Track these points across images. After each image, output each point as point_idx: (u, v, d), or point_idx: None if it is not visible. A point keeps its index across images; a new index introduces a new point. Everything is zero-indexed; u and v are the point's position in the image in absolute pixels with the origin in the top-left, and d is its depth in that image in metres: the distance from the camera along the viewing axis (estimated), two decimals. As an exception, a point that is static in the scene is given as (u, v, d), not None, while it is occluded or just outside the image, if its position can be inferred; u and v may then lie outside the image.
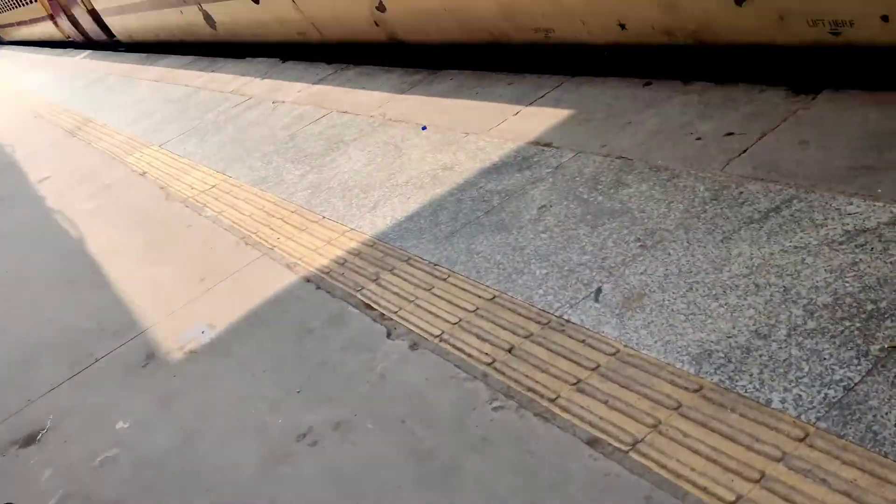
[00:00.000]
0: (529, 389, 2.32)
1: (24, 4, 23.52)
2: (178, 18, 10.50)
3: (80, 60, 16.02)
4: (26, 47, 31.28)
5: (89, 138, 8.37)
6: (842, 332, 2.09)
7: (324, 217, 4.11)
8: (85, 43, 18.61)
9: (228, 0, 8.68)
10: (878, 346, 1.97)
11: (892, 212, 2.43)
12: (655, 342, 2.32)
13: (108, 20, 14.25)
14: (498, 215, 3.41)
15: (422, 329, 2.81)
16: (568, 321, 2.56)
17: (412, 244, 3.43)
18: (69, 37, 20.15)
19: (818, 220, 2.54)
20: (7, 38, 36.68)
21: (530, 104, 4.43)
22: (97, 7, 14.21)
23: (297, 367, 2.90)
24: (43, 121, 10.74)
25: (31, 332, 4.07)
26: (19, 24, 27.35)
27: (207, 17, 9.52)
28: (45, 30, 22.53)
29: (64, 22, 18.67)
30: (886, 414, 1.78)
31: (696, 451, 1.89)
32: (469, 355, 2.57)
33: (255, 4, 7.99)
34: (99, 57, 15.08)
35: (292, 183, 4.78)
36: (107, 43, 16.35)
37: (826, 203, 2.60)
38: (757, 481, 1.75)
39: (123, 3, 12.30)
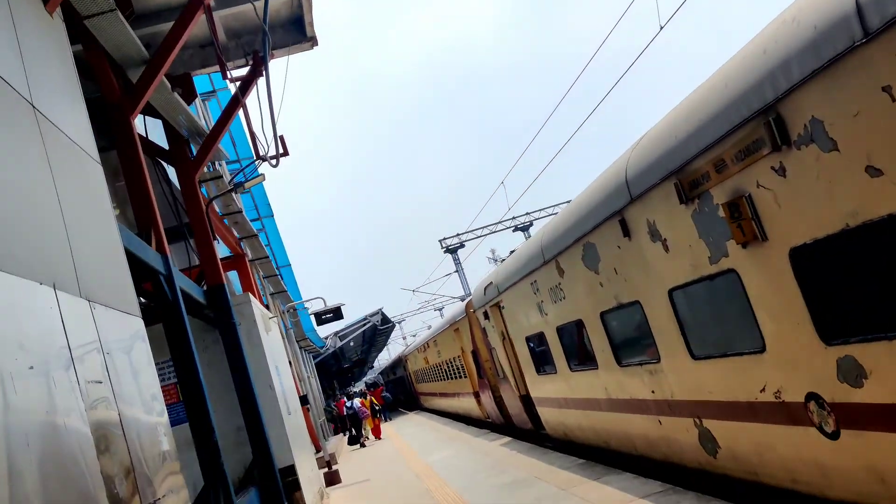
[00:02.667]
0: None
1: (450, 378, 24.79)
2: (649, 428, 8.11)
3: (499, 447, 14.74)
4: (435, 416, 33.55)
5: None
6: None
7: None
8: (503, 427, 17.78)
9: (747, 423, 5.97)
10: None
11: None
12: None
13: (540, 410, 12.81)
14: None
15: None
16: None
17: None
18: (487, 417, 19.77)
19: None
20: (425, 405, 40.46)
21: None
22: (533, 394, 12.99)
23: None
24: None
25: None
26: (441, 394, 29.13)
27: (705, 437, 6.86)
28: (465, 405, 22.95)
29: (488, 401, 18.33)
30: None
31: None
32: None
33: (829, 440, 5.04)
34: (522, 449, 13.54)
35: None
36: (529, 432, 15.00)
37: None
38: None
39: (568, 396, 10.65)
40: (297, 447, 11.99)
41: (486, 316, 15.09)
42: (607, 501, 7.98)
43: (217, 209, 13.25)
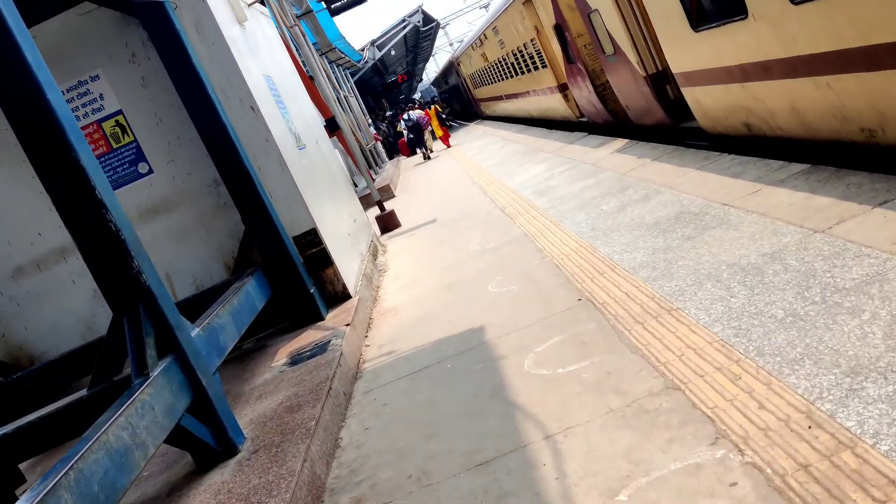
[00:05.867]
0: None
1: (520, 74, 20.05)
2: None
3: (617, 156, 10.55)
4: (503, 123, 29.29)
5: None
6: None
7: None
8: (608, 126, 13.46)
9: None
10: None
11: None
12: None
13: (690, 91, 8.30)
14: None
15: None
16: None
17: None
18: (581, 116, 15.41)
19: None
20: (488, 112, 36.12)
21: None
22: (676, 69, 8.38)
23: None
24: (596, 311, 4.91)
25: None
26: (509, 97, 24.61)
27: None
28: (544, 104, 18.50)
29: (583, 93, 13.82)
30: None
31: None
32: None
33: None
34: (659, 155, 9.30)
35: None
36: (659, 130, 10.65)
37: None
38: None
39: (777, 56, 6.06)
40: (319, 197, 8.06)
41: (583, -41, 9.97)
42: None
43: None
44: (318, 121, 11.57)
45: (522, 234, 8.34)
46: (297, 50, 14.15)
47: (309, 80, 14.86)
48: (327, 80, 20.28)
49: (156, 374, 3.96)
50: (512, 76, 21.72)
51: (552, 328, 5.13)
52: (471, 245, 8.95)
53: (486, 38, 23.74)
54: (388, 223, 12.82)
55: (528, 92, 20.30)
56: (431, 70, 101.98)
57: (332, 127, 12.46)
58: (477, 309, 6.29)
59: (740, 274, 4.66)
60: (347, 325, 6.37)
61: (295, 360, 5.94)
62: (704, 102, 8.15)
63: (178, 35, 6.38)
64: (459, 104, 50.00)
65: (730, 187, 6.63)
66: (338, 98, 23.02)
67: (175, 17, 6.46)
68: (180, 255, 7.12)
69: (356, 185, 22.22)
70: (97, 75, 6.76)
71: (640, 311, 4.77)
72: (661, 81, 9.68)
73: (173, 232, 7.09)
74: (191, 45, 6.57)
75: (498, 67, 23.94)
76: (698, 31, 7.28)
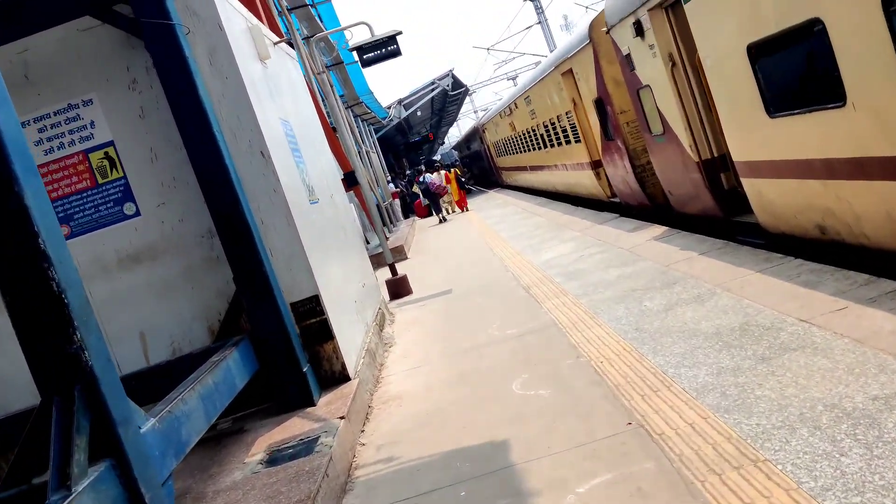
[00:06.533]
0: None
1: (548, 146, 19.40)
2: None
3: (656, 244, 9.64)
4: (523, 194, 28.53)
5: None
6: None
7: None
8: (642, 210, 12.60)
9: None
10: None
11: None
12: None
13: (754, 184, 7.43)
14: None
15: None
16: None
17: None
18: (613, 196, 14.59)
19: None
20: (509, 181, 35.52)
21: None
22: (740, 156, 7.54)
23: None
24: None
25: None
26: (533, 168, 23.96)
27: None
28: (573, 180, 17.75)
29: (619, 172, 13.02)
30: None
31: None
32: None
33: None
34: (707, 249, 8.37)
35: None
36: (703, 220, 9.76)
37: None
38: None
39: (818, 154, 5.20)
40: (326, 258, 7.15)
41: (639, 31, 9.27)
42: None
43: None
44: (336, 173, 10.77)
45: (551, 323, 7.36)
46: (322, 99, 13.50)
47: (331, 131, 14.17)
48: (350, 133, 19.69)
49: (81, 488, 2.97)
50: (540, 148, 21.07)
51: (597, 459, 4.11)
52: (490, 327, 7.97)
53: (516, 106, 23.22)
54: (399, 289, 11.88)
55: (555, 165, 19.58)
56: (452, 135, 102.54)
57: (350, 181, 11.66)
58: (499, 414, 5.28)
59: (846, 422, 3.66)
60: (342, 417, 5.36)
61: (274, 457, 4.92)
62: (769, 197, 7.26)
63: (186, 63, 5.57)
64: (479, 170, 49.63)
65: (805, 299, 5.66)
66: (359, 152, 22.40)
67: (186, 42, 5.67)
68: (159, 312, 6.17)
69: (368, 242, 21.41)
70: (91, 99, 5.96)
71: (713, 456, 3.76)
72: (715, 168, 8.84)
73: (154, 285, 6.16)
74: (200, 76, 5.77)
75: (525, 137, 23.35)
76: (774, 117, 6.43)
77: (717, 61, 7.34)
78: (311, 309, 6.24)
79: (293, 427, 5.45)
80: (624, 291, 7.74)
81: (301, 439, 5.09)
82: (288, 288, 6.17)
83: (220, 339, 6.11)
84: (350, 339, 6.87)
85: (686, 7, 7.66)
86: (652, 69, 9.35)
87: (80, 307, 3.24)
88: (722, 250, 8.20)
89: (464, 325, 8.48)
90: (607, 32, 10.78)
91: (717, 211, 9.03)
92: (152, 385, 5.78)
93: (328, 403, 5.82)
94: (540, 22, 51.96)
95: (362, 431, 5.73)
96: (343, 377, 6.30)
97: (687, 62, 8.68)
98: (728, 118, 7.55)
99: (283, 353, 5.86)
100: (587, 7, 44.28)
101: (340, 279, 7.57)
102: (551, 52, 46.09)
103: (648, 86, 9.67)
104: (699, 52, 7.77)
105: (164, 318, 6.19)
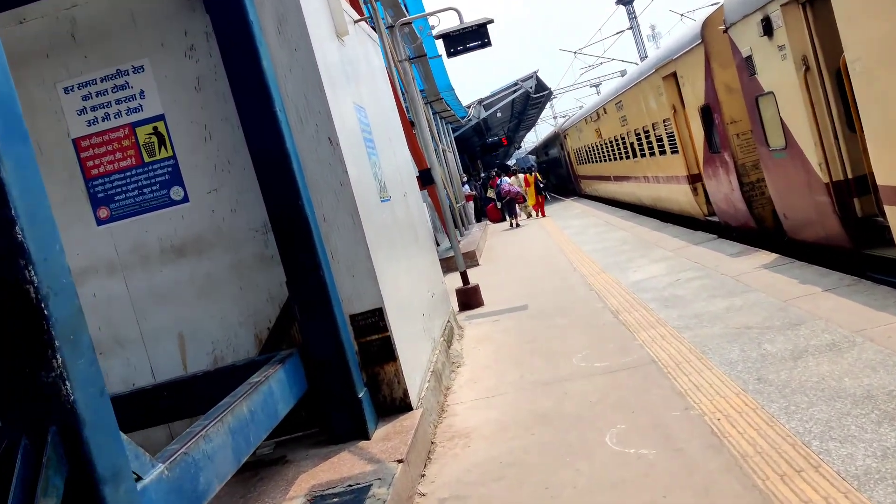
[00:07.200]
0: None
1: (638, 156, 18.18)
2: None
3: (769, 274, 8.44)
4: (602, 205, 27.14)
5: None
6: None
7: None
8: (746, 232, 11.35)
9: None
10: None
11: None
12: None
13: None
14: None
15: None
16: None
17: None
18: (710, 214, 13.34)
19: None
20: (588, 191, 34.16)
21: None
22: (883, 180, 6.34)
23: None
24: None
25: None
26: (618, 178, 22.71)
27: None
28: (664, 194, 16.51)
29: (722, 189, 11.79)
30: None
31: None
32: None
33: None
34: (833, 284, 7.17)
35: None
36: (824, 250, 8.52)
37: None
38: None
39: None
40: (394, 264, 6.29)
41: (767, 29, 8.10)
42: None
43: None
44: (412, 170, 9.93)
45: (648, 359, 6.33)
46: (402, 90, 12.71)
47: (409, 125, 13.36)
48: (429, 128, 18.89)
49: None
50: (628, 157, 19.84)
51: (730, 568, 3.10)
52: (574, 356, 6.98)
53: (604, 111, 22.02)
54: (469, 299, 10.97)
55: (644, 177, 18.34)
56: (529, 140, 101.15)
57: (425, 180, 10.82)
58: (591, 476, 4.30)
59: None
60: (400, 461, 4.47)
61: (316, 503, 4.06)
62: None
63: (249, 27, 4.78)
64: (557, 178, 48.31)
65: None
66: (436, 150, 21.61)
67: (252, 5, 4.89)
68: (201, 313, 5.42)
69: (438, 244, 20.60)
70: (142, 66, 5.24)
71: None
72: (847, 192, 7.61)
73: (199, 281, 5.41)
74: (264, 44, 4.97)
75: (612, 145, 22.13)
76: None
77: (872, 65, 6.15)
78: (373, 323, 5.37)
79: (342, 465, 4.59)
80: (736, 328, 6.63)
81: (349, 485, 4.22)
82: (348, 297, 5.33)
83: (267, 349, 5.32)
84: (414, 360, 5.99)
85: (834, 1, 6.50)
86: (778, 73, 8.17)
87: (66, 321, 2.43)
88: (853, 288, 7.00)
89: (542, 350, 7.50)
90: (725, 31, 9.62)
91: (846, 241, 7.79)
92: (187, 397, 5.04)
93: (385, 439, 4.94)
94: (632, 27, 50.42)
95: (422, 476, 4.83)
96: (404, 405, 5.42)
97: (824, 66, 7.48)
98: (878, 134, 6.35)
99: (337, 375, 5.01)
100: (682, 15, 42.52)
101: (408, 288, 6.70)
102: (642, 59, 44.45)
103: (771, 92, 8.49)
104: (846, 53, 6.59)
105: (207, 321, 5.43)
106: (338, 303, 5.12)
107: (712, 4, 23.69)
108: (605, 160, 24.45)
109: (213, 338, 5.44)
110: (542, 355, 7.32)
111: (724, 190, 11.61)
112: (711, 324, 7.02)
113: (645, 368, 6.13)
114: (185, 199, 5.35)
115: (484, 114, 39.82)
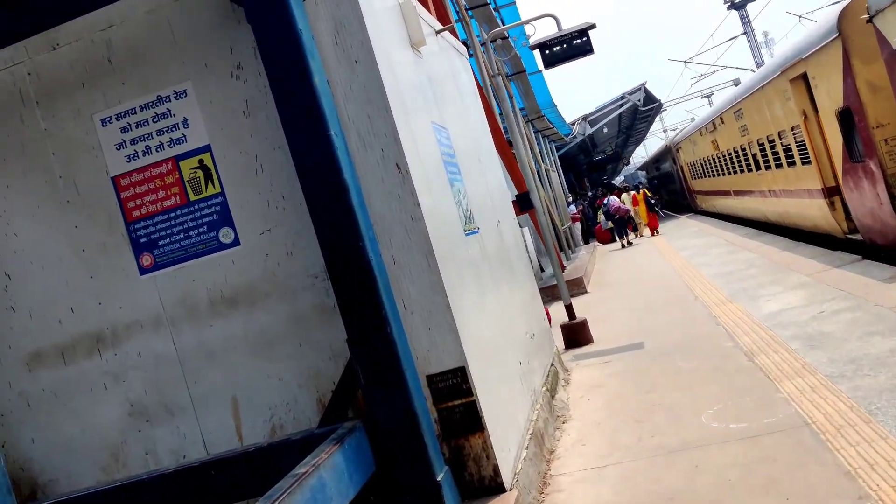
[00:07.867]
0: None
1: (761, 168, 16.53)
2: None
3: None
4: (720, 221, 25.18)
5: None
6: None
7: None
8: (895, 251, 9.72)
9: None
10: None
11: None
12: None
13: None
14: None
15: None
16: None
17: None
18: (851, 232, 11.69)
19: None
20: (704, 207, 32.08)
21: None
22: None
23: None
24: None
25: None
26: (739, 193, 20.94)
27: None
28: (794, 209, 14.83)
29: (865, 204, 10.21)
30: None
31: None
32: None
33: None
34: None
35: None
36: None
37: None
38: None
39: None
40: (481, 311, 5.36)
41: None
42: None
43: None
44: (507, 194, 8.99)
45: (799, 420, 5.10)
46: (497, 106, 11.83)
47: (506, 145, 12.46)
48: (529, 149, 17.94)
49: None
50: (750, 170, 18.15)
51: None
52: (704, 413, 5.81)
53: (722, 121, 20.37)
54: (576, 336, 9.87)
55: (769, 191, 16.65)
56: (638, 155, 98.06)
57: (523, 204, 9.85)
58: None
59: None
60: (485, 572, 3.49)
61: None
62: None
63: (297, 37, 4.01)
64: (669, 194, 46.04)
65: None
66: (538, 171, 20.60)
67: (300, 10, 4.12)
68: (257, 373, 4.66)
69: (542, 270, 19.47)
70: (185, 90, 4.57)
71: None
72: None
73: (253, 337, 4.65)
74: (317, 57, 4.19)
75: (731, 157, 20.42)
76: None
77: None
78: (455, 385, 4.45)
79: (413, 573, 3.67)
80: (918, 382, 5.29)
81: None
82: (424, 354, 4.44)
83: (330, 416, 4.48)
84: (508, 424, 5.01)
85: None
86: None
87: None
88: None
89: (664, 403, 6.35)
90: (869, 20, 8.22)
91: None
92: (237, 476, 4.27)
93: (469, 534, 3.99)
94: (745, 32, 47.82)
95: (516, 585, 3.84)
96: (494, 486, 4.45)
97: None
98: None
99: (410, 452, 4.11)
100: (801, 17, 39.78)
101: (500, 335, 5.75)
102: (758, 66, 41.83)
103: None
104: None
105: (263, 382, 4.66)
106: (410, 363, 4.23)
107: (833, 3, 21.59)
108: (724, 174, 22.67)
109: (270, 403, 4.66)
110: (663, 410, 6.18)
111: (870, 204, 10.03)
112: (874, 372, 5.69)
113: (796, 433, 4.91)
114: (236, 242, 4.63)
115: (589, 130, 38.51)
